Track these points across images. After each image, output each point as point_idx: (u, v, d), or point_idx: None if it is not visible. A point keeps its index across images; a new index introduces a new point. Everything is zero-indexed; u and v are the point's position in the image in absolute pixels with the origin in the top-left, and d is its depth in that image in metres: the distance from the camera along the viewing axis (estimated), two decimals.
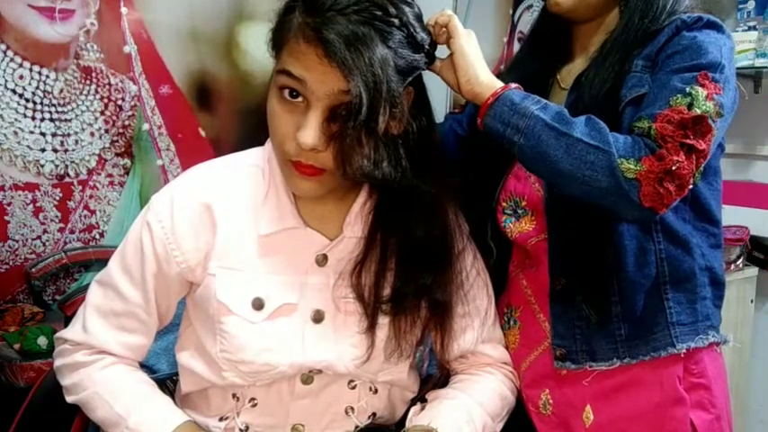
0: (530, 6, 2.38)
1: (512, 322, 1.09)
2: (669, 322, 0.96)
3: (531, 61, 1.12)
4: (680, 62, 0.91)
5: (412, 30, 0.82)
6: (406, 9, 0.82)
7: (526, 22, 2.38)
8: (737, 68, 2.00)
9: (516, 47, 2.35)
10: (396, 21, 0.80)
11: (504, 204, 1.08)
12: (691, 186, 0.86)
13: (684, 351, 0.96)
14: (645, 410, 0.97)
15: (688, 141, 0.84)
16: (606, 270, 0.96)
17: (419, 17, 0.85)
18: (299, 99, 0.79)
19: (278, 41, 0.83)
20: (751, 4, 2.04)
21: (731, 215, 1.98)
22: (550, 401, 1.04)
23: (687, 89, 0.87)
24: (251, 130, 1.69)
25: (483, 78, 0.92)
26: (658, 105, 0.88)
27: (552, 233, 1.01)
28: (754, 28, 2.00)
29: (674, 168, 0.82)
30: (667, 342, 0.96)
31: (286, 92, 0.80)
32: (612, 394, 0.99)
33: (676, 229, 0.97)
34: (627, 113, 0.93)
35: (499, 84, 0.92)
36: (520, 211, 1.06)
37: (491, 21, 2.30)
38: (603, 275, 0.96)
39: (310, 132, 0.77)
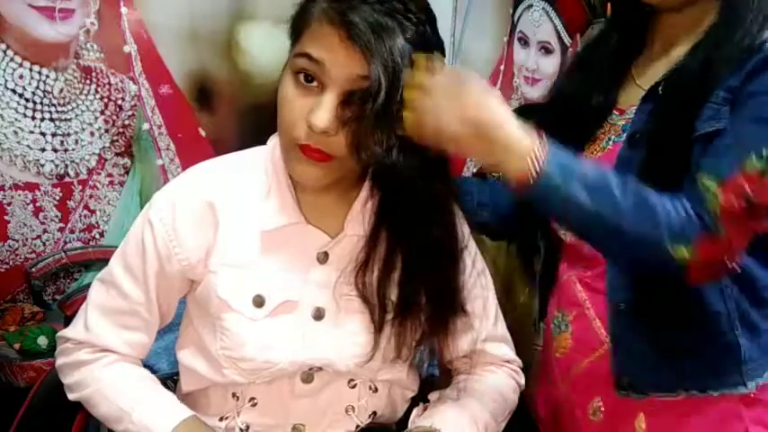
0: (530, 6, 2.38)
1: (563, 327, 1.05)
2: (742, 360, 0.91)
3: (605, 46, 1.04)
4: (765, 109, 0.81)
5: (428, 32, 0.84)
6: (425, 12, 0.84)
7: (526, 22, 2.38)
8: None
9: (517, 47, 2.36)
10: (414, 18, 0.81)
11: None
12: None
13: (755, 390, 0.91)
14: (702, 423, 0.94)
15: (753, 226, 0.78)
16: (674, 293, 0.89)
17: (434, 23, 0.86)
18: (314, 84, 0.80)
19: (298, 27, 0.84)
20: None
21: None
22: (602, 408, 1.01)
23: (765, 151, 0.78)
24: (251, 129, 1.69)
25: (506, 170, 0.82)
26: (729, 164, 0.79)
27: None
28: None
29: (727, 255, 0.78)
30: (737, 381, 0.91)
31: (301, 76, 0.80)
32: (669, 406, 0.95)
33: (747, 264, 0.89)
34: (696, 150, 0.84)
35: (525, 170, 0.79)
36: None
37: (491, 20, 2.30)
38: (671, 300, 0.91)
39: (324, 114, 0.78)
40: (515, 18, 2.35)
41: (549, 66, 2.49)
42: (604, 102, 1.02)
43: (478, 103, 0.81)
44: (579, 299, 1.03)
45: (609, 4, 2.41)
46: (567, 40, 2.51)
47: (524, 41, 2.40)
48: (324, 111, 0.78)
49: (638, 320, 0.94)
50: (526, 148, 0.80)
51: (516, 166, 0.81)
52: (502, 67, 2.34)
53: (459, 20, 2.16)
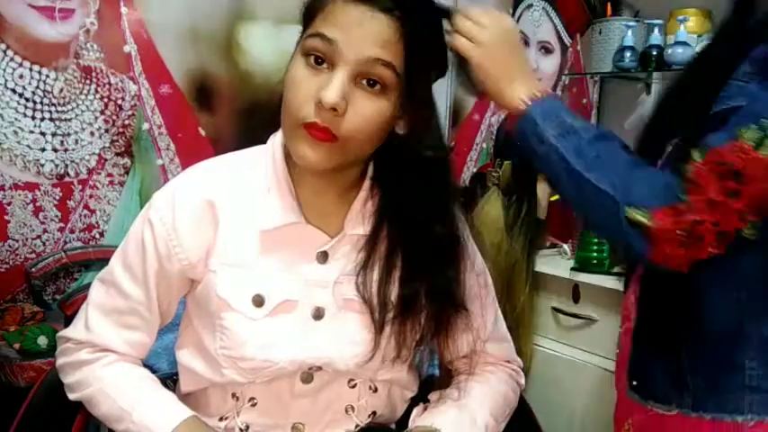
0: (530, 6, 2.38)
1: (617, 338, 1.02)
2: (746, 385, 0.84)
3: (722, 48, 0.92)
4: None
5: (441, 30, 0.86)
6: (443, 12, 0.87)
7: (526, 22, 2.38)
8: None
9: None
10: (437, 12, 0.85)
11: None
12: (713, 253, 0.74)
13: (753, 424, 0.84)
14: None
15: (716, 198, 0.71)
16: (682, 311, 0.86)
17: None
18: (324, 66, 0.80)
19: (312, 9, 0.83)
20: None
21: None
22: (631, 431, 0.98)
23: (766, 120, 0.71)
24: (251, 129, 1.69)
25: (507, 95, 0.87)
26: (728, 132, 0.73)
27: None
28: None
29: (692, 229, 0.73)
30: (737, 407, 0.84)
31: (311, 58, 0.80)
32: (661, 420, 0.91)
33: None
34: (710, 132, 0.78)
35: (521, 97, 0.86)
36: None
37: None
38: (679, 317, 0.87)
39: (334, 90, 0.77)
40: (515, 18, 2.35)
41: (549, 65, 2.49)
42: None
43: (515, 27, 0.90)
44: (629, 311, 1.00)
45: (609, 5, 2.42)
46: (567, 39, 2.51)
47: (524, 42, 2.40)
48: (334, 87, 0.78)
49: (650, 334, 0.93)
50: (533, 80, 0.88)
51: (518, 92, 0.87)
52: None
53: None
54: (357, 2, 0.78)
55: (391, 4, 0.78)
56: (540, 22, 2.44)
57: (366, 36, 0.78)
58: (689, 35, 2.14)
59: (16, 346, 1.32)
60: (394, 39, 0.79)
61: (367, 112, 0.80)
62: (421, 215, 0.88)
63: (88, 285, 0.95)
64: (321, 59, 0.80)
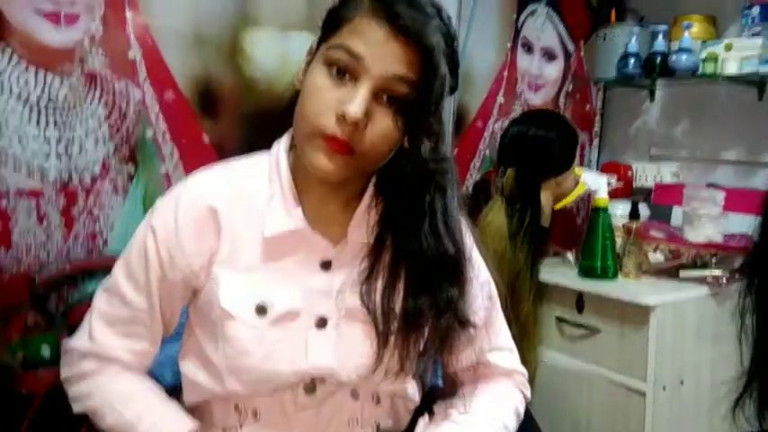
0: (533, 12, 2.38)
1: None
2: None
3: None
4: None
5: (457, 53, 0.86)
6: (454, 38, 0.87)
7: (530, 28, 2.38)
8: (742, 75, 2.00)
9: (520, 52, 2.36)
10: (452, 38, 0.85)
11: None
12: None
13: None
14: None
15: None
16: None
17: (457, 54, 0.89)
18: (347, 78, 0.81)
19: (337, 19, 0.83)
20: (755, 11, 2.03)
21: (736, 223, 1.97)
22: None
23: None
24: (255, 136, 1.69)
25: None
26: None
27: None
28: (759, 34, 1.99)
29: None
30: None
31: (334, 69, 0.81)
32: None
33: None
34: None
35: None
36: None
37: (495, 26, 2.30)
38: None
39: (359, 105, 0.78)
40: (519, 24, 2.35)
41: (553, 72, 2.49)
42: None
43: None
44: None
45: (613, 10, 2.42)
46: (570, 46, 2.51)
47: (528, 47, 2.40)
48: (359, 101, 0.78)
49: None
50: None
51: None
52: (505, 73, 2.34)
53: (464, 26, 2.16)
54: (384, 20, 0.79)
55: (415, 26, 0.78)
56: (544, 29, 2.44)
57: (391, 54, 0.79)
58: (693, 41, 2.14)
59: (19, 355, 1.32)
60: (414, 58, 0.79)
61: (385, 129, 0.81)
62: (424, 224, 0.87)
63: (92, 294, 0.95)
64: (343, 71, 0.80)
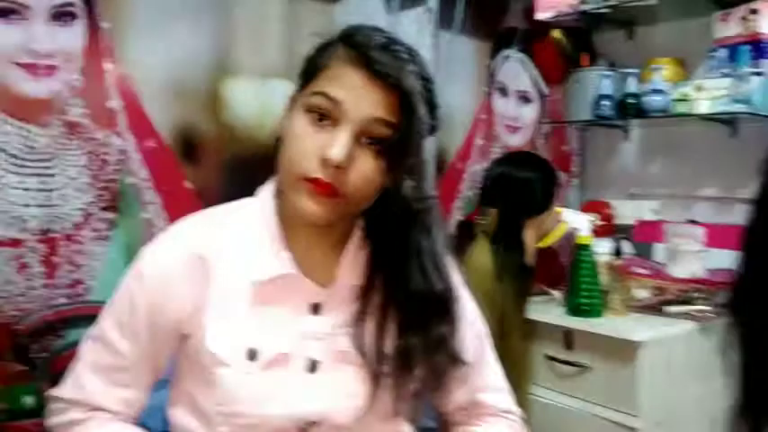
0: (507, 57, 2.44)
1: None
2: None
3: None
4: None
5: (434, 94, 0.87)
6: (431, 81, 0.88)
7: (504, 73, 2.43)
8: (714, 114, 2.05)
9: (496, 96, 2.40)
10: (428, 81, 0.86)
11: None
12: None
13: None
14: None
15: None
16: None
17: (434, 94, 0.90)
18: (327, 122, 0.81)
19: (314, 67, 0.85)
20: (723, 52, 2.10)
21: (718, 258, 1.99)
22: None
23: None
24: (236, 182, 1.69)
25: None
26: None
27: None
28: (728, 75, 2.05)
29: None
30: None
31: (315, 115, 0.82)
32: None
33: None
34: None
35: None
36: None
37: (470, 71, 2.35)
38: None
39: (341, 148, 0.79)
40: (493, 68, 2.41)
41: (529, 114, 2.54)
42: None
43: None
44: None
45: (584, 56, 2.48)
46: (544, 89, 2.57)
47: (503, 91, 2.46)
48: (340, 145, 0.79)
49: None
50: None
51: None
52: (483, 116, 2.38)
53: (439, 71, 2.20)
54: (360, 66, 0.80)
55: (391, 71, 0.80)
56: (518, 73, 2.49)
57: (369, 98, 0.80)
58: (665, 83, 2.19)
59: (2, 405, 1.29)
60: (393, 101, 0.81)
61: (368, 170, 0.82)
62: (412, 265, 0.88)
63: (75, 343, 0.94)
64: (324, 117, 0.81)
